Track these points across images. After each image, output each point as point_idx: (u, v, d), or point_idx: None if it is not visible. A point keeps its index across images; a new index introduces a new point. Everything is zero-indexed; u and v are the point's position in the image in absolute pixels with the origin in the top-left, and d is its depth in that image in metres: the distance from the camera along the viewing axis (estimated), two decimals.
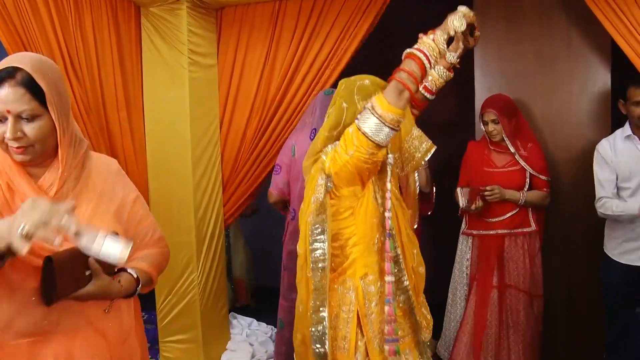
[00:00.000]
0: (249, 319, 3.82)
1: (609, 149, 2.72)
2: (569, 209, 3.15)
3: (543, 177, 2.94)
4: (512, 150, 2.92)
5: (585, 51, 3.15)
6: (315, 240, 1.74)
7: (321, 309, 1.73)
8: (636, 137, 2.68)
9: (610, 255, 2.79)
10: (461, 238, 3.13)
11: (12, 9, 2.41)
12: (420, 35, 1.66)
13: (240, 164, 3.24)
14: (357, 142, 1.62)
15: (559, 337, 3.21)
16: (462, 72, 3.57)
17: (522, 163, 2.91)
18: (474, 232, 3.01)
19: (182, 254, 3.14)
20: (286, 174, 2.81)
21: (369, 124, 1.58)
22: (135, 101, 3.10)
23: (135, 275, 1.46)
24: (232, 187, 3.28)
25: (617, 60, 2.96)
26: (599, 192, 2.73)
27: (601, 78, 3.14)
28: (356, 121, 1.63)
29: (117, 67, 2.96)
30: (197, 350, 3.21)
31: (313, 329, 1.73)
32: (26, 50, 2.50)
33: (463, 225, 3.09)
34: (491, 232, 2.95)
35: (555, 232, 3.15)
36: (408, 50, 1.63)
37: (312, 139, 2.98)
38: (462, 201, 2.90)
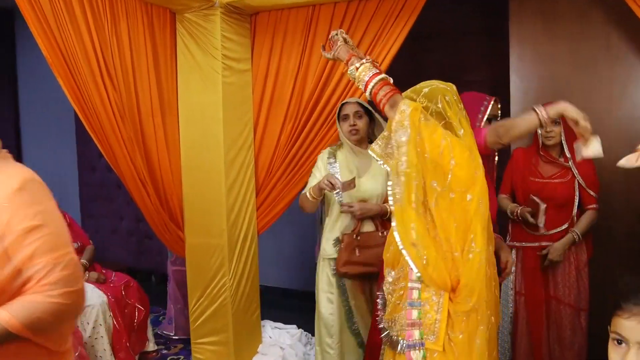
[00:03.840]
0: (279, 323, 3.82)
1: None
2: (611, 217, 3.03)
3: (592, 193, 2.78)
4: (568, 155, 2.77)
5: (625, 52, 3.05)
6: None
7: None
8: None
9: None
10: None
11: (49, 16, 2.46)
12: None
13: (274, 168, 3.25)
14: None
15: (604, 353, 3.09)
16: (498, 75, 3.53)
17: (575, 172, 2.77)
18: (517, 244, 2.88)
19: (215, 257, 3.16)
20: None
21: None
22: (169, 106, 3.14)
23: None
24: (265, 191, 3.29)
25: None
26: None
27: None
28: None
29: (152, 73, 3.00)
30: (228, 352, 3.23)
31: None
32: (63, 56, 2.56)
33: (507, 238, 2.94)
34: (535, 244, 2.83)
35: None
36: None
37: None
38: (541, 220, 2.73)
